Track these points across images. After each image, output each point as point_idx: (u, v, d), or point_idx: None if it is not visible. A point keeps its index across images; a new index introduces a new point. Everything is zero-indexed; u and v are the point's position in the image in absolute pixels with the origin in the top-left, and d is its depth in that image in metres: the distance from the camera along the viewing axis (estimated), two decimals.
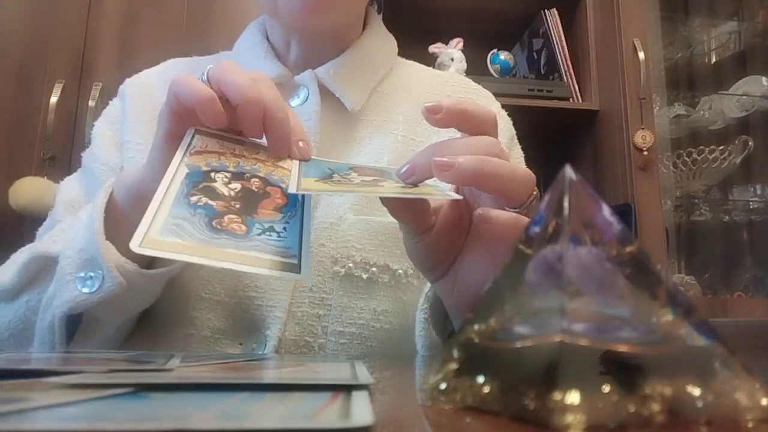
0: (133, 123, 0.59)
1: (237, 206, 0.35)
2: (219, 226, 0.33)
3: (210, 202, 0.34)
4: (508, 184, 0.35)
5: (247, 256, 0.32)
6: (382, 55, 0.63)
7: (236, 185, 0.36)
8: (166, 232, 0.32)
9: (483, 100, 0.66)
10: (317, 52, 0.59)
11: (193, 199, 0.34)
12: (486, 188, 0.35)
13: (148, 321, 0.52)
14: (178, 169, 0.36)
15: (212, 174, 0.37)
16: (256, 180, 0.37)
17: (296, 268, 0.33)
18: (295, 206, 0.37)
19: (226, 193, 0.36)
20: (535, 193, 0.36)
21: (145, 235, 0.31)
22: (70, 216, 0.56)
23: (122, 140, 0.59)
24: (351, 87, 0.58)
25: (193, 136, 0.38)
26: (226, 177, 0.37)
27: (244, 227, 0.34)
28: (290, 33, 0.59)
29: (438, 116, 0.36)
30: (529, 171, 0.36)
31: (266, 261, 0.33)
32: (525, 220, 0.34)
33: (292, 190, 0.36)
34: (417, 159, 0.37)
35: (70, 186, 0.60)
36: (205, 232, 0.33)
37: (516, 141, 0.65)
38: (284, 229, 0.35)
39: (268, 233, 0.34)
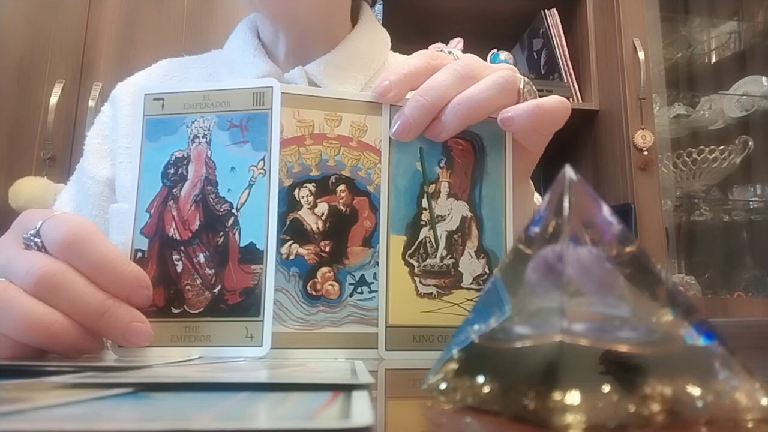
0: (125, 127, 0.59)
1: (327, 249, 0.33)
2: (314, 291, 0.32)
3: (301, 250, 0.32)
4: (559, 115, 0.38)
5: (340, 336, 0.32)
6: (374, 50, 0.62)
7: (323, 206, 0.33)
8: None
9: None
10: (306, 49, 0.59)
11: (284, 251, 0.32)
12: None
13: None
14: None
15: (296, 193, 0.33)
16: (342, 189, 0.34)
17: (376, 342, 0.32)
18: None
19: (314, 228, 0.33)
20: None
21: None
22: None
23: (113, 146, 0.59)
24: (341, 83, 0.58)
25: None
26: (311, 193, 0.33)
27: (337, 286, 0.33)
28: (278, 29, 0.59)
29: (391, 94, 0.35)
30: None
31: (356, 338, 0.32)
32: (544, 101, 0.36)
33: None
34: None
35: (63, 201, 0.61)
36: (302, 307, 0.32)
37: None
38: (374, 276, 0.33)
39: (359, 290, 0.33)
